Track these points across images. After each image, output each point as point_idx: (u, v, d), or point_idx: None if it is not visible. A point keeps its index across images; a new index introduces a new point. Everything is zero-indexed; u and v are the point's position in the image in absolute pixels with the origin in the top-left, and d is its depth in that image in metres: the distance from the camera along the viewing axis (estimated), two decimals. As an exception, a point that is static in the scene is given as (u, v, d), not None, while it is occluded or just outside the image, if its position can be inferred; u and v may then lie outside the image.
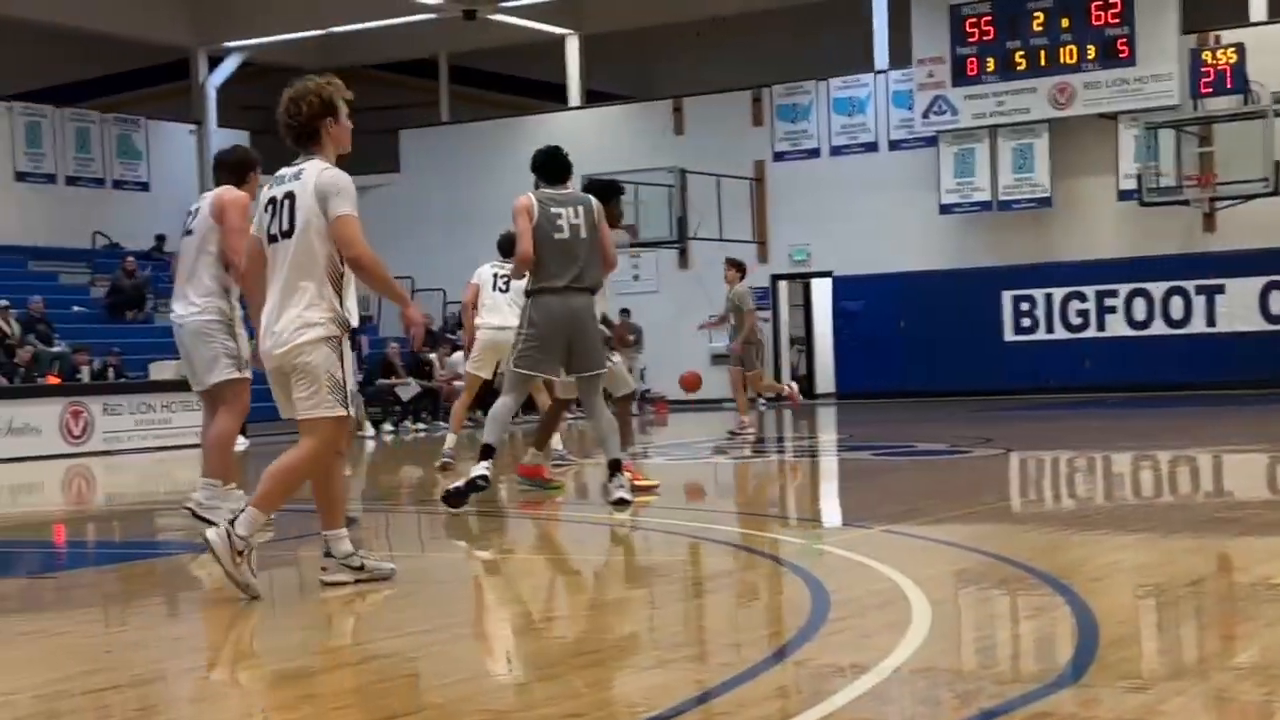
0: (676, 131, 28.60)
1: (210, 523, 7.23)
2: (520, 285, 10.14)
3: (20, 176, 26.57)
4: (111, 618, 6.58)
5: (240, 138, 30.00)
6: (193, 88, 29.78)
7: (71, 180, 27.32)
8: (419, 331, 6.87)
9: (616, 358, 10.52)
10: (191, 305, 8.78)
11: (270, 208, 6.47)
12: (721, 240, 25.15)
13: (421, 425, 22.78)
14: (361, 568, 6.59)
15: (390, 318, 29.46)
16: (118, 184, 28.07)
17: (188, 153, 29.26)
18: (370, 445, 19.61)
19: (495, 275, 12.94)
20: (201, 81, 29.52)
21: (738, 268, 17.61)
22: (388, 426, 22.32)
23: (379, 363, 23.17)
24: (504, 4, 27.77)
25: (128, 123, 28.55)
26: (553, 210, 9.18)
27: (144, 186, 28.34)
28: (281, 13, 28.25)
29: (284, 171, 6.52)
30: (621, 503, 9.36)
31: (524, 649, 5.60)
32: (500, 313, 12.62)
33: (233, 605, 6.26)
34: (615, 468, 9.48)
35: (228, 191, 8.77)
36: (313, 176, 6.37)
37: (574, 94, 29.98)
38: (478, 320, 12.97)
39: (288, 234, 6.37)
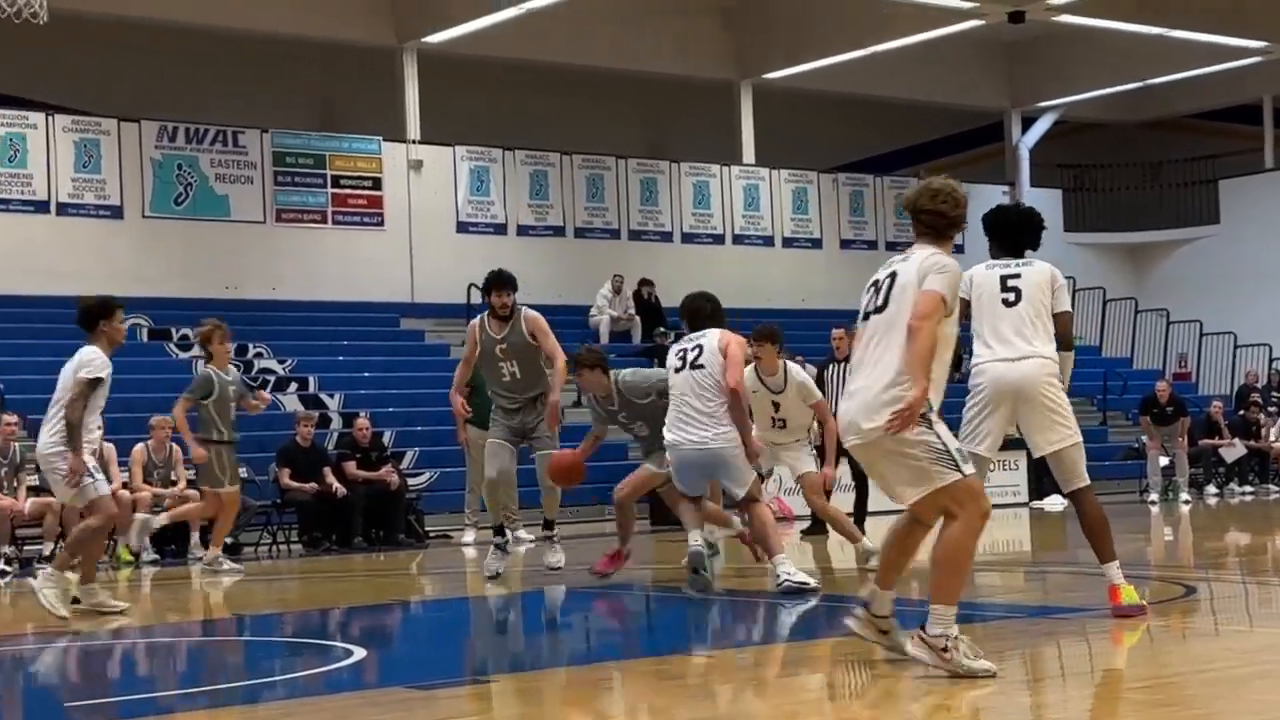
0: None
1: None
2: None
3: (845, 244, 27.92)
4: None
5: (1052, 197, 29.99)
6: (1006, 149, 30.12)
7: (890, 245, 28.42)
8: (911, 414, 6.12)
9: None
10: None
11: (873, 288, 6.52)
12: None
13: (1249, 487, 22.02)
14: (945, 650, 6.04)
15: (1209, 376, 28.35)
16: (930, 247, 28.84)
17: (1001, 214, 29.57)
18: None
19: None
20: (1014, 143, 29.79)
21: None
22: (1211, 489, 21.68)
23: (1203, 423, 22.33)
24: (1337, 39, 26.01)
25: (944, 187, 29.30)
26: None
27: (958, 249, 28.93)
28: (1097, 69, 27.93)
29: (895, 258, 6.61)
30: None
31: None
32: None
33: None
34: None
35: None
36: (920, 258, 6.41)
37: None
38: None
39: (880, 310, 6.39)
